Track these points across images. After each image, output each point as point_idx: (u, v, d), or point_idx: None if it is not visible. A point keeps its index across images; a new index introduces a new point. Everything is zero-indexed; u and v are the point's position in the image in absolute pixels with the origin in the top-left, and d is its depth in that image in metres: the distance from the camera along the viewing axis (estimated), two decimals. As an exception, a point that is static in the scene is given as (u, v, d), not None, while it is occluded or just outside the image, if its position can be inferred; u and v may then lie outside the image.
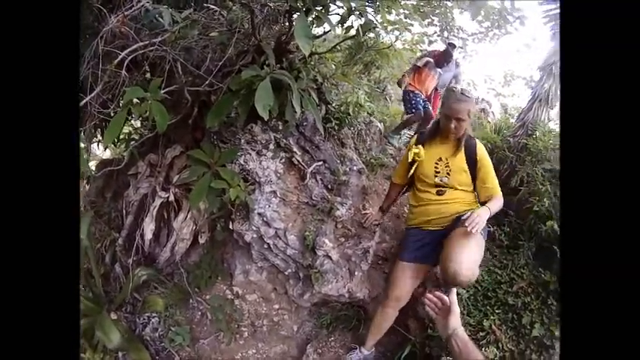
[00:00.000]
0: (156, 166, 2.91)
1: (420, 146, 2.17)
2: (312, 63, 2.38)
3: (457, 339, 1.15)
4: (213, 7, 2.46)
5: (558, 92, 3.40)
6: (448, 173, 2.09)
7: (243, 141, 2.30)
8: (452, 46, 4.30)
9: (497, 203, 2.03)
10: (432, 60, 4.21)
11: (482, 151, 2.11)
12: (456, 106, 2.00)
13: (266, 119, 1.80)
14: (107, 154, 4.48)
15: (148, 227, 2.93)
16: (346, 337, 2.54)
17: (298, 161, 2.34)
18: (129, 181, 3.11)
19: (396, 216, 2.65)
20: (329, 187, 2.40)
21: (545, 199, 2.63)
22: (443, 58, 4.21)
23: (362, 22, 2.19)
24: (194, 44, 2.56)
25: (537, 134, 3.12)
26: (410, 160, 2.15)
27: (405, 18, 3.53)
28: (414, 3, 4.32)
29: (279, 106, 2.07)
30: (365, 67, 3.52)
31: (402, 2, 3.10)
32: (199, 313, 2.70)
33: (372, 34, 3.26)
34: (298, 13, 1.95)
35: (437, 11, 5.19)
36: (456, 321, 1.18)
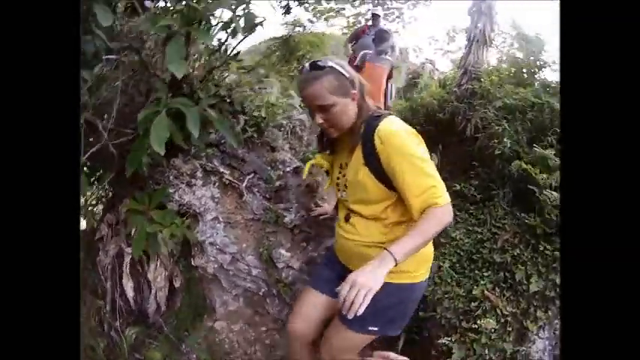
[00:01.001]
0: (114, 225, 2.91)
1: (318, 155, 1.60)
2: (216, 77, 2.32)
3: None
4: (111, 57, 2.45)
5: (493, 28, 3.25)
6: (345, 185, 1.43)
7: (171, 177, 2.26)
8: (376, 16, 4.13)
9: (421, 230, 1.18)
10: (369, 51, 3.91)
11: (386, 133, 1.26)
12: (305, 91, 1.30)
13: (162, 154, 1.75)
14: (82, 225, 4.53)
15: (127, 285, 2.92)
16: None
17: (230, 180, 2.28)
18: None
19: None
20: (267, 196, 2.33)
21: (505, 139, 2.48)
22: (371, 30, 4.03)
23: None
24: (109, 97, 2.56)
25: (482, 76, 3.00)
26: (304, 177, 1.82)
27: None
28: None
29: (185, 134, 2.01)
30: (298, 61, 3.45)
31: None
32: (194, 356, 2.66)
33: (299, 28, 3.20)
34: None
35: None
36: None
